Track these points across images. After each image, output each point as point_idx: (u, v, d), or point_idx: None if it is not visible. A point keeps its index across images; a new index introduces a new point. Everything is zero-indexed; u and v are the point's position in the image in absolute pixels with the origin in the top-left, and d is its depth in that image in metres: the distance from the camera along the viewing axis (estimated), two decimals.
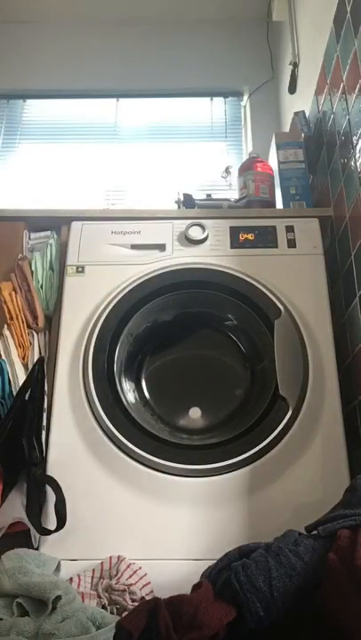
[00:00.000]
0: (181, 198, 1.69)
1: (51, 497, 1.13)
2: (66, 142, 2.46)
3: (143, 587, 1.03)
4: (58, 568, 1.05)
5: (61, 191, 2.31)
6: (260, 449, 1.15)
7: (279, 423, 1.17)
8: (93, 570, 1.07)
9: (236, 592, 0.78)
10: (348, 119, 1.37)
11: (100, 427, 1.18)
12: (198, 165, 2.36)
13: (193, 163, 2.38)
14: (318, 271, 1.36)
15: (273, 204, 1.67)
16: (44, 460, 1.17)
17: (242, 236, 1.41)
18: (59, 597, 0.88)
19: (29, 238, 1.53)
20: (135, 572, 1.05)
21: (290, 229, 1.41)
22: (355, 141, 1.33)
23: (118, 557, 1.08)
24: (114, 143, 2.45)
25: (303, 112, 1.77)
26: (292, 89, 2.03)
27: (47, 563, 1.02)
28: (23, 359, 1.33)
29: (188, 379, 1.35)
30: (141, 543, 1.11)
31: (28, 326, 1.37)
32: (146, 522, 1.12)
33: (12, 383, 1.28)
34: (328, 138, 1.56)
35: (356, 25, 1.30)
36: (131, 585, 1.01)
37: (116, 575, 1.03)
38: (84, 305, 1.32)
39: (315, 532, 0.88)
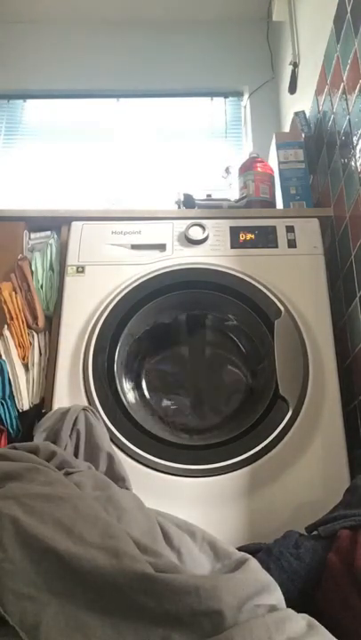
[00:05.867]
0: (181, 198, 1.69)
1: None
2: (66, 142, 2.46)
3: None
4: None
5: (61, 191, 2.31)
6: (260, 449, 1.15)
7: (279, 423, 1.17)
8: None
9: None
10: (349, 119, 1.37)
11: None
12: (198, 165, 2.36)
13: (193, 163, 2.38)
14: (318, 271, 1.36)
15: (273, 204, 1.67)
16: None
17: (242, 236, 1.41)
18: None
19: (29, 238, 1.53)
20: None
21: (290, 229, 1.41)
22: (355, 141, 1.33)
23: None
24: (114, 143, 2.45)
25: (303, 112, 1.77)
26: (292, 89, 2.03)
27: None
28: (23, 359, 1.33)
29: (188, 378, 1.35)
30: None
31: (28, 326, 1.37)
32: None
33: (13, 383, 1.28)
34: (328, 138, 1.56)
35: (357, 25, 1.30)
36: None
37: None
38: (84, 305, 1.32)
39: (315, 533, 0.88)
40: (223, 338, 1.38)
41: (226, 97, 2.54)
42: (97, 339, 1.26)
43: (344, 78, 1.40)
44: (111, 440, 1.16)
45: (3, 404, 1.24)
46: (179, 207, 1.69)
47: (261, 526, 1.10)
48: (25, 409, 1.27)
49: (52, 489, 0.75)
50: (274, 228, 1.42)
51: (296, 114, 1.78)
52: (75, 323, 1.31)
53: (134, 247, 1.41)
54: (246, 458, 1.14)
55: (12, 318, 1.35)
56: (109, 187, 2.31)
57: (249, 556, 0.75)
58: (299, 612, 0.64)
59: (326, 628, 0.63)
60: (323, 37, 1.58)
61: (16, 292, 1.40)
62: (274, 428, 1.16)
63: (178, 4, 2.54)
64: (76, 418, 1.11)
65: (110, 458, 1.08)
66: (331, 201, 1.52)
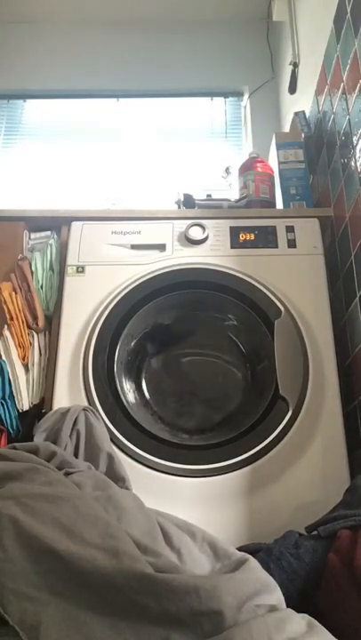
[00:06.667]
0: (181, 198, 1.69)
1: None
2: (66, 142, 2.46)
3: None
4: None
5: (61, 191, 2.31)
6: (260, 449, 1.15)
7: (279, 423, 1.17)
8: None
9: None
10: (348, 119, 1.37)
11: None
12: (198, 165, 2.36)
13: (193, 163, 2.38)
14: (318, 271, 1.36)
15: (273, 204, 1.67)
16: None
17: (242, 236, 1.41)
18: None
19: (29, 238, 1.53)
20: None
21: (290, 229, 1.41)
22: (355, 141, 1.33)
23: None
24: (114, 143, 2.45)
25: (303, 112, 1.77)
26: (292, 89, 2.03)
27: None
28: (23, 359, 1.33)
29: (188, 379, 1.35)
30: None
31: (28, 326, 1.37)
32: None
33: (13, 383, 1.28)
34: (328, 138, 1.56)
35: (357, 25, 1.30)
36: None
37: None
38: (84, 305, 1.32)
39: (315, 533, 0.88)
40: (223, 338, 1.38)
41: (226, 97, 2.54)
42: (97, 339, 1.26)
43: (344, 78, 1.40)
44: (111, 440, 1.16)
45: (3, 404, 1.24)
46: (179, 207, 1.69)
47: (261, 526, 1.10)
48: (25, 409, 1.27)
49: (51, 489, 0.75)
50: (274, 227, 1.42)
51: (296, 114, 1.78)
52: (75, 323, 1.31)
53: (134, 247, 1.41)
54: (246, 458, 1.14)
55: (12, 318, 1.35)
56: (110, 187, 2.31)
57: (249, 555, 0.75)
58: (299, 612, 0.64)
59: (326, 627, 0.63)
60: (323, 37, 1.58)
61: (16, 292, 1.40)
62: (274, 427, 1.16)
63: (178, 3, 2.54)
64: (76, 418, 1.11)
65: (110, 458, 1.08)
66: (331, 201, 1.52)
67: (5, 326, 1.35)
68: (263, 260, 1.37)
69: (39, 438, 1.07)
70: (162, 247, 1.40)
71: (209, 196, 1.73)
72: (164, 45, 2.56)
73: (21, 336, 1.34)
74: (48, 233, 1.53)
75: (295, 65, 1.99)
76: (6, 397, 1.25)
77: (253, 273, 1.34)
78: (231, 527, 1.11)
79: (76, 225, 1.44)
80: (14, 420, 1.25)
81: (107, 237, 1.42)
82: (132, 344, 1.34)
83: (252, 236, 1.41)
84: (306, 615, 0.64)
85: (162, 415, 1.30)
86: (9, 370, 1.29)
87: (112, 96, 2.55)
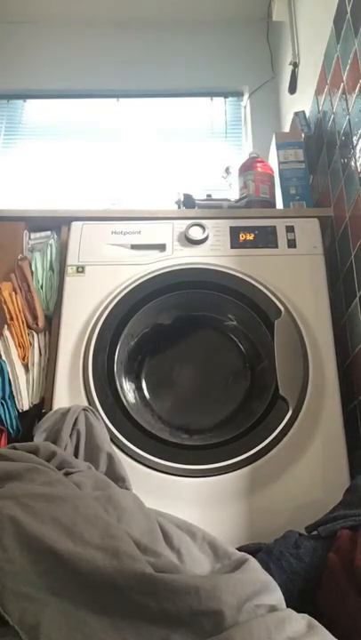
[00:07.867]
0: (181, 198, 1.69)
1: None
2: (66, 142, 2.46)
3: None
4: None
5: (61, 191, 2.31)
6: (260, 449, 1.15)
7: (279, 423, 1.17)
8: None
9: None
10: (349, 119, 1.37)
11: None
12: (198, 165, 2.36)
13: (193, 163, 2.38)
14: (318, 271, 1.36)
15: (273, 204, 1.67)
16: None
17: (242, 236, 1.41)
18: None
19: (29, 238, 1.53)
20: None
21: (290, 229, 1.41)
22: (355, 141, 1.33)
23: None
24: (114, 143, 2.45)
25: (303, 112, 1.77)
26: (292, 89, 2.03)
27: None
28: (23, 359, 1.33)
29: (188, 379, 1.35)
30: None
31: (28, 326, 1.37)
32: None
33: (13, 383, 1.28)
34: (328, 138, 1.56)
35: (357, 25, 1.30)
36: None
37: None
38: (84, 305, 1.32)
39: (315, 533, 0.88)
40: (223, 338, 1.38)
41: (226, 97, 2.54)
42: (97, 339, 1.26)
43: (344, 78, 1.40)
44: (111, 440, 1.16)
45: (3, 404, 1.24)
46: (179, 207, 1.69)
47: (261, 526, 1.10)
48: (25, 409, 1.27)
49: (51, 489, 0.75)
50: (274, 228, 1.42)
51: (296, 114, 1.78)
52: (75, 323, 1.31)
53: (134, 247, 1.41)
54: (246, 458, 1.14)
55: (12, 318, 1.35)
56: (110, 187, 2.31)
57: (249, 556, 0.75)
58: (299, 612, 0.64)
59: (326, 628, 0.63)
60: (323, 37, 1.58)
61: (16, 292, 1.40)
62: (274, 428, 1.16)
63: (178, 3, 2.54)
64: (77, 418, 1.11)
65: (110, 458, 1.08)
66: (331, 201, 1.52)
67: (5, 326, 1.35)
68: (263, 260, 1.37)
69: (39, 438, 1.07)
70: (162, 247, 1.40)
71: (209, 196, 1.73)
72: (164, 45, 2.56)
73: (21, 336, 1.34)
74: (48, 233, 1.53)
75: (295, 65, 1.99)
76: (6, 397, 1.25)
77: (253, 273, 1.34)
78: (231, 527, 1.11)
79: (76, 225, 1.44)
80: (14, 420, 1.25)
81: (107, 237, 1.42)
82: (132, 344, 1.34)
83: (252, 236, 1.41)
84: (306, 615, 0.64)
85: (162, 415, 1.30)
86: (9, 370, 1.29)
87: (112, 96, 2.55)
